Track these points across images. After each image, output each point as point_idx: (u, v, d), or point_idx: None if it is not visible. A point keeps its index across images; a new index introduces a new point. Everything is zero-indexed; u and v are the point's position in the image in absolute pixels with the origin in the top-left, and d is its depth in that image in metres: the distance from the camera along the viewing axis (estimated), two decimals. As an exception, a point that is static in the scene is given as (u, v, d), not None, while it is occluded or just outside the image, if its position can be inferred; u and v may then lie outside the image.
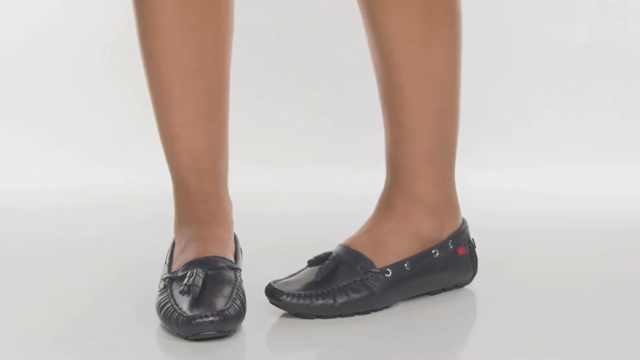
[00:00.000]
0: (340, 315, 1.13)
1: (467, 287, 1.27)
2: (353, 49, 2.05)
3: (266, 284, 1.14)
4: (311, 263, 1.17)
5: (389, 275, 1.16)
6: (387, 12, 1.16)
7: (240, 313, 1.08)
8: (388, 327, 1.11)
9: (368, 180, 1.53)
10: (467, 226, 1.25)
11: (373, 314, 1.15)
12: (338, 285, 1.13)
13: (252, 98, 1.99)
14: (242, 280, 1.13)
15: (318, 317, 1.13)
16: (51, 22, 2.12)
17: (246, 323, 1.11)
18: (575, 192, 1.87)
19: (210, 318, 1.05)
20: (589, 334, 1.10)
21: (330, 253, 1.18)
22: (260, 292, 1.16)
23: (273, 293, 1.12)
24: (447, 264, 1.21)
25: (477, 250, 1.26)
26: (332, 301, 1.12)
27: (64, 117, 2.10)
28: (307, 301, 1.12)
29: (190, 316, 1.05)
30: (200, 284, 1.08)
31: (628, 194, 1.85)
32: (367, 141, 2.02)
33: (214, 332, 1.05)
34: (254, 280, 1.24)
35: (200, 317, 1.05)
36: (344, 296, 1.13)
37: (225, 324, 1.05)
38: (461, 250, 1.23)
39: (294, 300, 1.12)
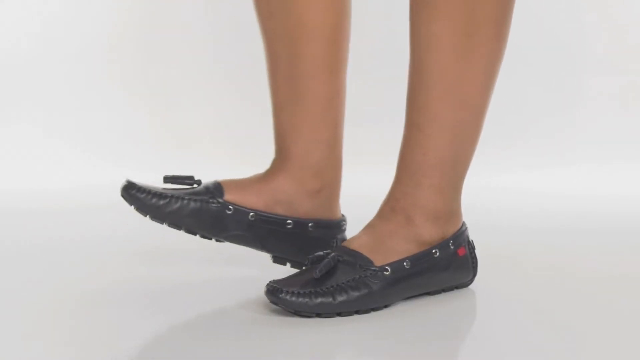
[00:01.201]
0: (339, 314, 1.13)
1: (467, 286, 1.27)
2: (357, 51, 2.06)
3: (266, 283, 1.15)
4: (310, 261, 1.17)
5: (387, 273, 1.16)
6: (432, 14, 1.17)
7: (156, 204, 1.23)
8: (388, 327, 1.11)
9: (371, 183, 1.53)
10: (466, 228, 1.25)
11: (373, 314, 1.15)
12: (337, 283, 1.14)
13: (254, 98, 1.99)
14: (225, 216, 1.24)
15: (317, 315, 1.13)
16: (54, 21, 2.12)
17: (247, 323, 1.12)
18: (576, 192, 1.87)
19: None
20: (589, 334, 1.10)
21: (329, 252, 1.18)
22: (261, 292, 1.16)
23: (272, 291, 1.13)
24: (447, 264, 1.22)
25: (477, 251, 1.26)
26: (331, 299, 1.13)
27: (67, 117, 2.10)
28: (307, 299, 1.12)
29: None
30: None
31: (628, 194, 1.85)
32: (370, 143, 2.02)
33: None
34: (254, 280, 1.25)
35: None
36: (343, 294, 1.13)
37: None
38: (462, 251, 1.23)
39: (293, 298, 1.12)
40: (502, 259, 1.41)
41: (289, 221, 1.28)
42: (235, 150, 2.08)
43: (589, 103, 2.03)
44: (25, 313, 1.17)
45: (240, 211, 1.26)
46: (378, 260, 1.17)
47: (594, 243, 1.54)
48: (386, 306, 1.17)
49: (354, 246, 1.18)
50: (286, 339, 1.08)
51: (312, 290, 1.13)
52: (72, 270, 1.37)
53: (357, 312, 1.14)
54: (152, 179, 1.98)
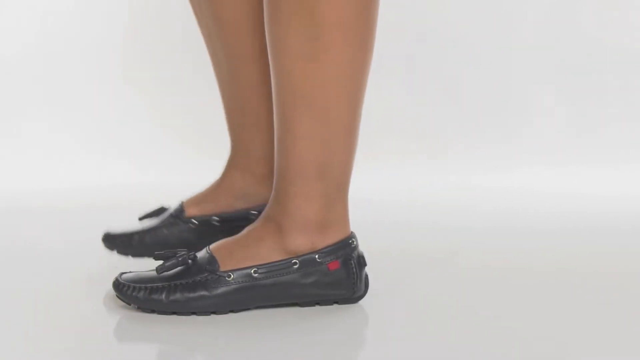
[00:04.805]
0: (175, 313, 1.13)
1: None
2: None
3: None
4: (158, 257, 1.17)
5: (230, 279, 1.14)
6: (276, 16, 1.12)
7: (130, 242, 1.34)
8: (385, 327, 1.12)
9: (369, 186, 1.53)
10: (353, 242, 1.18)
11: (371, 314, 1.15)
12: (181, 281, 1.14)
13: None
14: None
15: (152, 311, 1.13)
16: (59, 19, 2.12)
17: (244, 322, 1.12)
18: (575, 192, 1.87)
19: None
20: (589, 334, 1.10)
21: (181, 251, 1.17)
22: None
23: (119, 292, 1.15)
24: (312, 278, 1.16)
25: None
26: (162, 297, 1.13)
27: (67, 118, 2.10)
28: (142, 293, 1.14)
29: None
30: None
31: (628, 193, 1.85)
32: (368, 147, 2.02)
33: None
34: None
35: None
36: (177, 294, 1.13)
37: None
38: (333, 265, 1.17)
39: (136, 294, 1.14)
40: (502, 259, 1.42)
41: (253, 212, 1.32)
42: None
43: (590, 104, 2.03)
44: (25, 313, 1.17)
45: (204, 221, 1.33)
46: (228, 265, 1.14)
47: (594, 243, 1.54)
48: (231, 311, 1.14)
49: (214, 247, 1.17)
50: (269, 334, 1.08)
51: (150, 286, 1.13)
52: (72, 270, 1.37)
53: (194, 313, 1.13)
54: (153, 180, 1.99)
